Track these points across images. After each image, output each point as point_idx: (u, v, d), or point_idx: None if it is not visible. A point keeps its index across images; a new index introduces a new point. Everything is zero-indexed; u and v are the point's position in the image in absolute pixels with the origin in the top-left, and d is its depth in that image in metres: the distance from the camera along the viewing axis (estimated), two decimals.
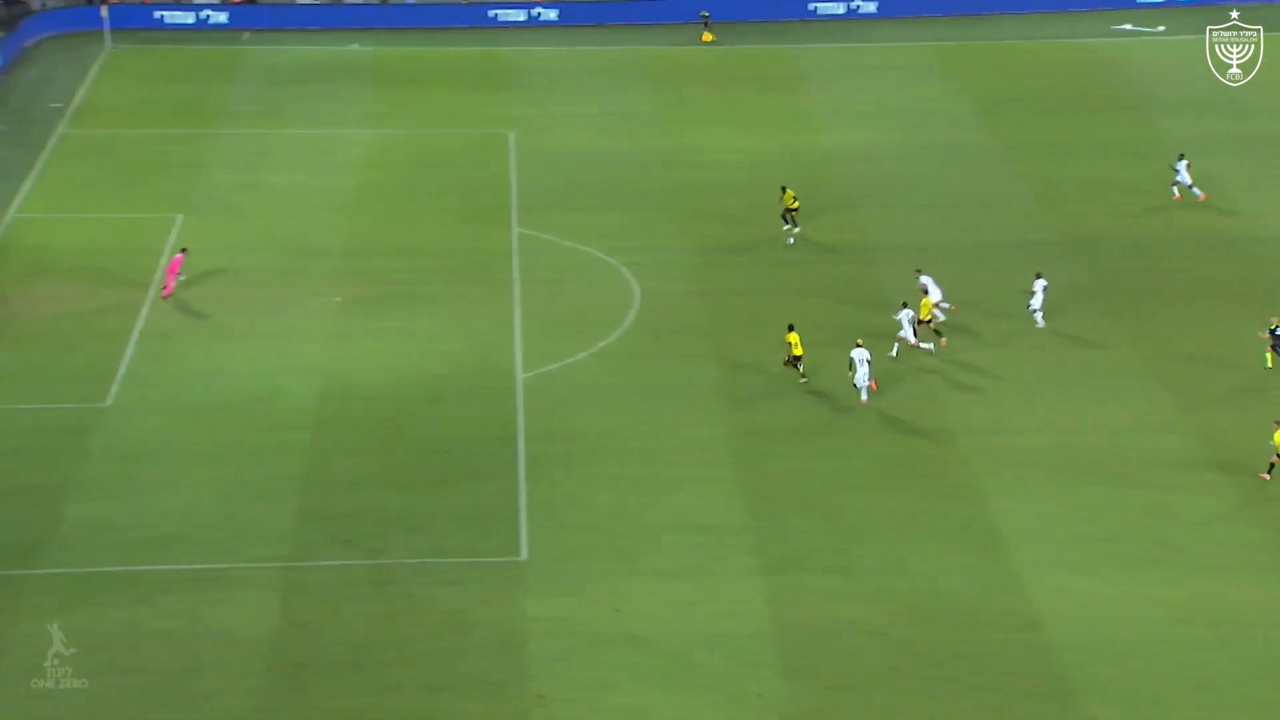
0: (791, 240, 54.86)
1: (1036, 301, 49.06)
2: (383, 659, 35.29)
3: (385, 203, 59.19)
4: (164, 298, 50.89)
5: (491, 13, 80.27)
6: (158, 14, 78.81)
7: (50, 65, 73.67)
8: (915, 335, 47.58)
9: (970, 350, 48.39)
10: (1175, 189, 57.08)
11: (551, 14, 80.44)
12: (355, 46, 77.12)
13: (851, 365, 45.00)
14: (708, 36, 77.57)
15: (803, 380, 46.01)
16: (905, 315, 47.53)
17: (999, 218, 57.82)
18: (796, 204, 55.32)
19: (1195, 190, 56.75)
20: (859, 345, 45.36)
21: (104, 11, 75.84)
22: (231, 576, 37.75)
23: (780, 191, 55.79)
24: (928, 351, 47.58)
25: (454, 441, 43.55)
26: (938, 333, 48.27)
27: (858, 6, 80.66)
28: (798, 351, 46.07)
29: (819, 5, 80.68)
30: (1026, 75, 72.54)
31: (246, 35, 78.02)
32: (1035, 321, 49.02)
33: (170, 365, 47.16)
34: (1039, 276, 49.69)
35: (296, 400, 45.31)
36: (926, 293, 48.74)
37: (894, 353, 47.30)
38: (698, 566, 38.59)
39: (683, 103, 69.71)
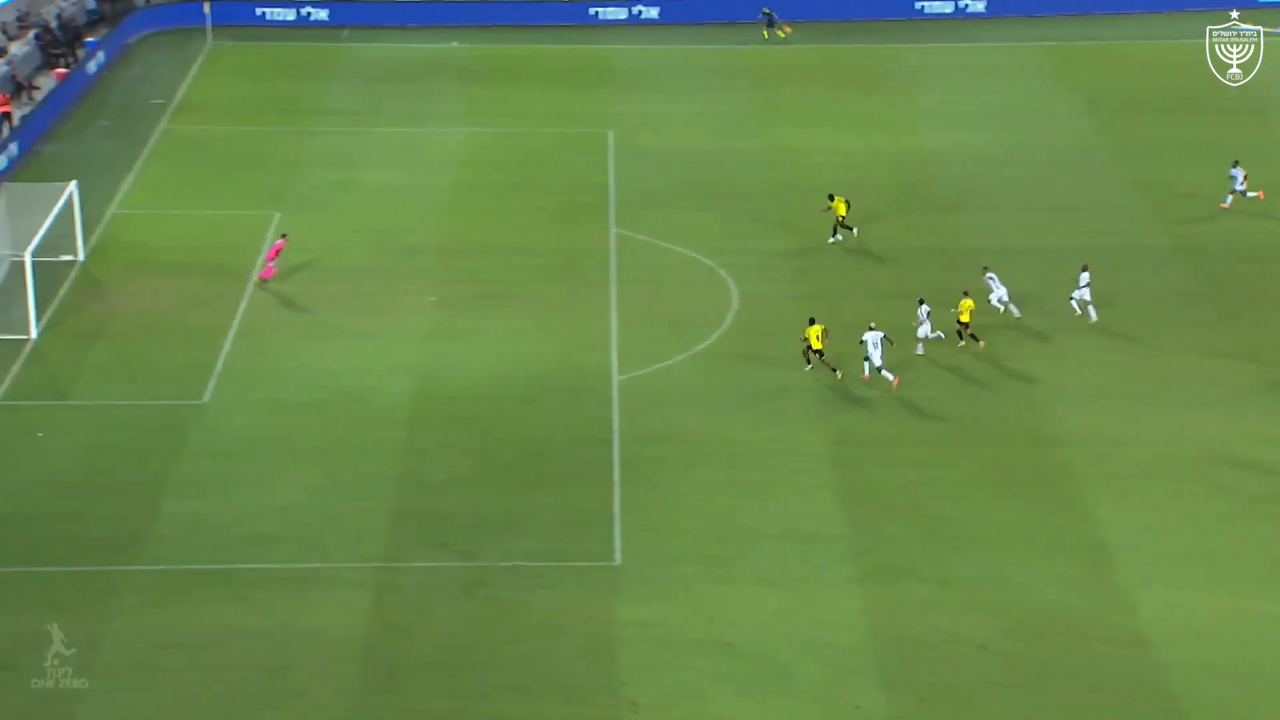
0: (834, 239, 54.23)
1: (1083, 293, 48.80)
2: (474, 662, 35.44)
3: (481, 201, 59.52)
4: (262, 279, 51.38)
5: (592, 10, 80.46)
6: (259, 10, 79.77)
7: (152, 62, 74.85)
8: (928, 332, 47.54)
9: (1074, 357, 47.80)
10: (1231, 197, 56.19)
11: (653, 11, 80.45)
12: (454, 44, 77.64)
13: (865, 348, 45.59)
14: (786, 29, 77.19)
15: (809, 370, 46.19)
16: (923, 310, 47.50)
17: (1107, 222, 57.09)
18: (846, 212, 54.30)
19: (1248, 194, 55.89)
20: (872, 329, 45.64)
21: (206, 8, 76.90)
22: (324, 576, 38.09)
23: (828, 201, 54.76)
24: (918, 351, 47.39)
25: (548, 443, 43.68)
26: (974, 337, 47.65)
27: (966, 5, 79.87)
28: (817, 346, 46.16)
29: (925, 4, 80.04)
30: (1139, 76, 71.63)
31: (346, 32, 78.80)
32: (1077, 312, 48.95)
33: (266, 362, 47.71)
34: (1085, 269, 49.46)
35: (391, 399, 45.66)
36: (991, 292, 48.82)
37: (930, 338, 47.57)
38: (793, 574, 38.41)
39: (783, 102, 69.49)
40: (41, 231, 50.29)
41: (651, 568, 38.54)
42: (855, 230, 54.79)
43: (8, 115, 65.46)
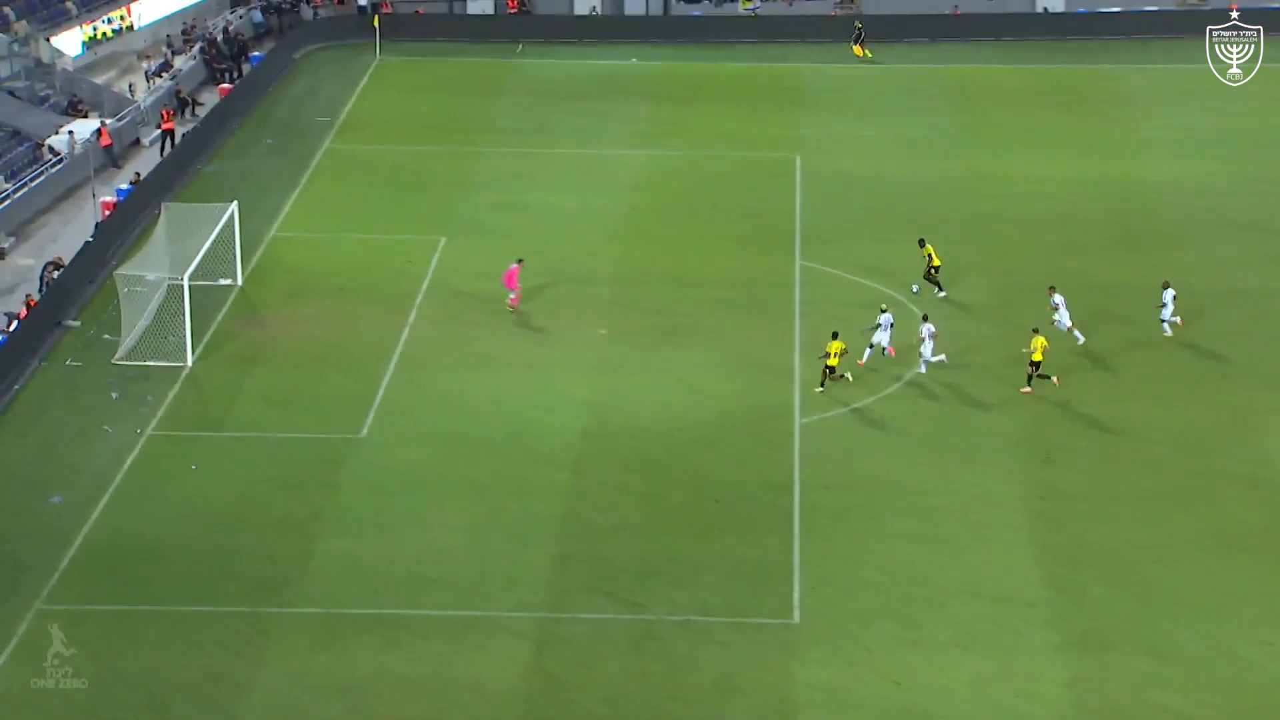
0: (916, 289, 53.13)
1: (1166, 313, 49.43)
2: None
3: (658, 228, 59.64)
4: (513, 308, 52.19)
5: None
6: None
7: (318, 77, 76.49)
8: (931, 355, 48.15)
9: None
10: None
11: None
12: (632, 61, 78.12)
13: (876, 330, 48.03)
14: (859, 50, 76.56)
15: (820, 385, 47.39)
16: (925, 329, 48.14)
17: None
18: (938, 262, 52.98)
19: None
20: (884, 310, 48.08)
21: (375, 22, 78.40)
22: (484, 623, 38.19)
23: (919, 246, 53.67)
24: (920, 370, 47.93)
25: (724, 488, 43.43)
26: (1044, 376, 46.92)
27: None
28: (832, 361, 46.53)
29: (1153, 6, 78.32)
30: None
31: (520, 48, 79.72)
32: (1168, 333, 49.56)
33: (427, 395, 48.19)
34: (1167, 286, 49.74)
35: (557, 436, 45.80)
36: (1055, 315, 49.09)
37: (932, 360, 48.10)
38: (990, 639, 37.61)
39: (987, 126, 68.70)
40: (200, 254, 51.49)
41: (833, 627, 38.03)
42: (942, 292, 53.29)
43: (170, 132, 67.36)
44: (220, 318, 52.88)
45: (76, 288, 54.08)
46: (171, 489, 43.53)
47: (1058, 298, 50.26)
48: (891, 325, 48.69)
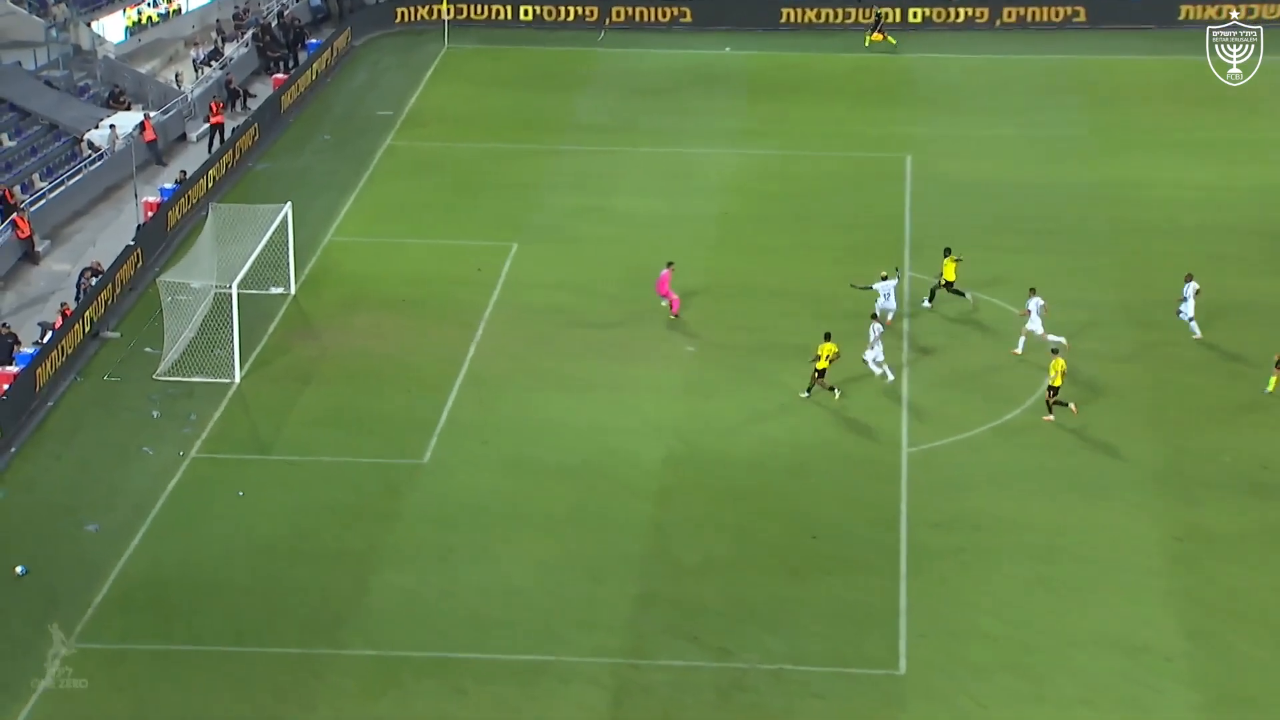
0: (928, 303, 53.90)
1: (1188, 309, 50.48)
2: None
3: (753, 235, 59.88)
4: (675, 316, 52.83)
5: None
6: (500, 8, 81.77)
7: (380, 67, 77.34)
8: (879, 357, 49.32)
9: None
10: None
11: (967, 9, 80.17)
12: (726, 50, 78.44)
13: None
14: (877, 36, 76.52)
15: (807, 389, 48.41)
16: (874, 329, 49.26)
17: None
18: (953, 278, 53.24)
19: None
20: (884, 278, 51.61)
21: (445, 5, 79.16)
22: (557, 669, 38.50)
23: (943, 255, 53.85)
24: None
25: (822, 524, 43.57)
26: (1062, 402, 47.14)
27: None
28: (821, 365, 47.32)
29: None
30: None
31: (602, 35, 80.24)
32: (1192, 332, 50.56)
33: (496, 417, 48.64)
34: (1189, 279, 50.47)
35: (638, 465, 46.11)
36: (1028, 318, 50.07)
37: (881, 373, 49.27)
38: (1121, 696, 37.52)
39: (1126, 125, 68.46)
40: (250, 260, 52.24)
41: (943, 679, 38.06)
42: (970, 297, 53.80)
43: (219, 127, 68.33)
44: (271, 330, 53.61)
45: (115, 296, 54.98)
46: (216, 517, 44.17)
47: (1035, 301, 50.57)
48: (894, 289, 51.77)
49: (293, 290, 55.92)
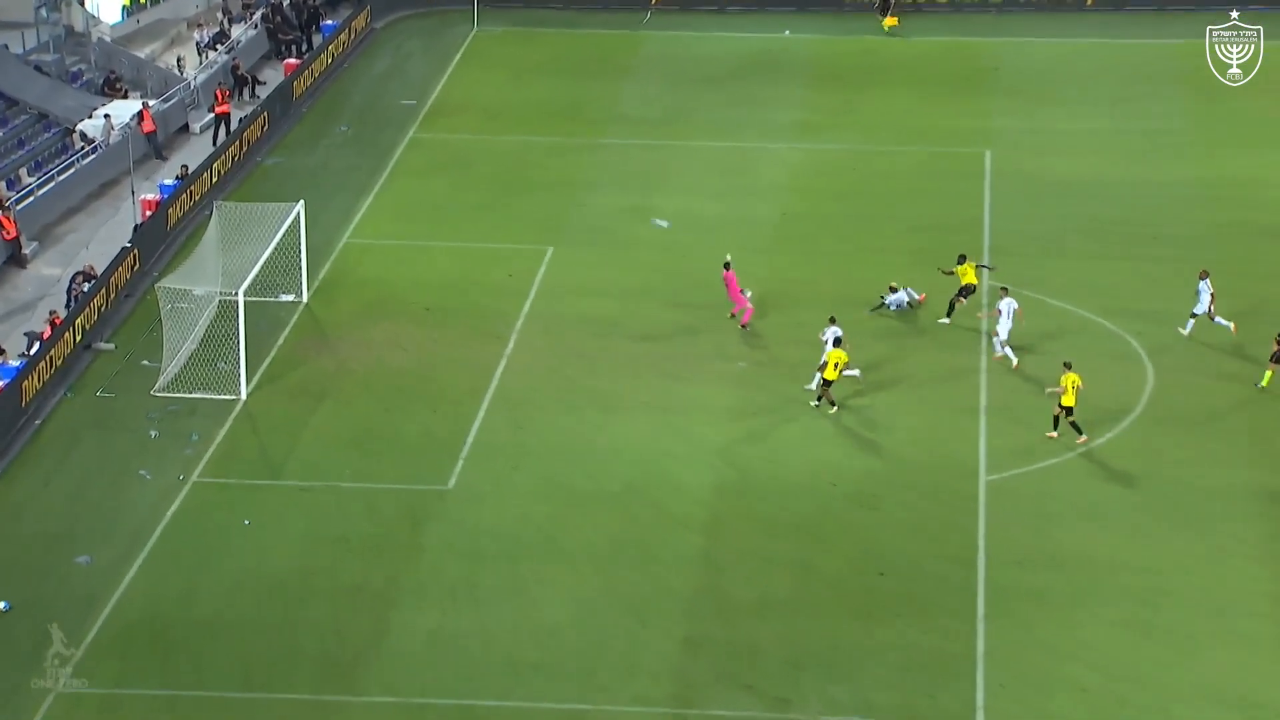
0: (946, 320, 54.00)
1: (1201, 306, 51.57)
2: None
3: (815, 239, 59.88)
4: (744, 328, 53.24)
5: None
6: None
7: (403, 52, 77.63)
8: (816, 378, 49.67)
9: None
10: None
11: None
12: (785, 33, 78.48)
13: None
14: (892, 20, 76.63)
15: (816, 403, 48.96)
16: (829, 333, 49.91)
17: None
18: (974, 280, 53.52)
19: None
20: (893, 289, 53.71)
21: None
22: (596, 719, 38.54)
23: (958, 263, 53.96)
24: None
25: (891, 560, 43.50)
26: (1077, 427, 47.19)
27: None
28: (830, 374, 47.82)
29: None
30: None
31: (647, 16, 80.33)
32: (1229, 328, 51.59)
33: (529, 440, 48.71)
34: (1204, 276, 51.82)
35: (688, 492, 46.12)
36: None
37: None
38: None
39: (1233, 118, 68.16)
40: (258, 264, 52.44)
41: None
42: (945, 319, 54.09)
43: (225, 117, 68.68)
44: (281, 341, 53.83)
45: (110, 303, 55.26)
46: (221, 548, 44.32)
47: (1008, 303, 51.29)
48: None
49: (305, 298, 56.14)
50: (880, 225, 60.75)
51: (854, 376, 49.82)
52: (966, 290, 53.74)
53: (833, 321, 50.62)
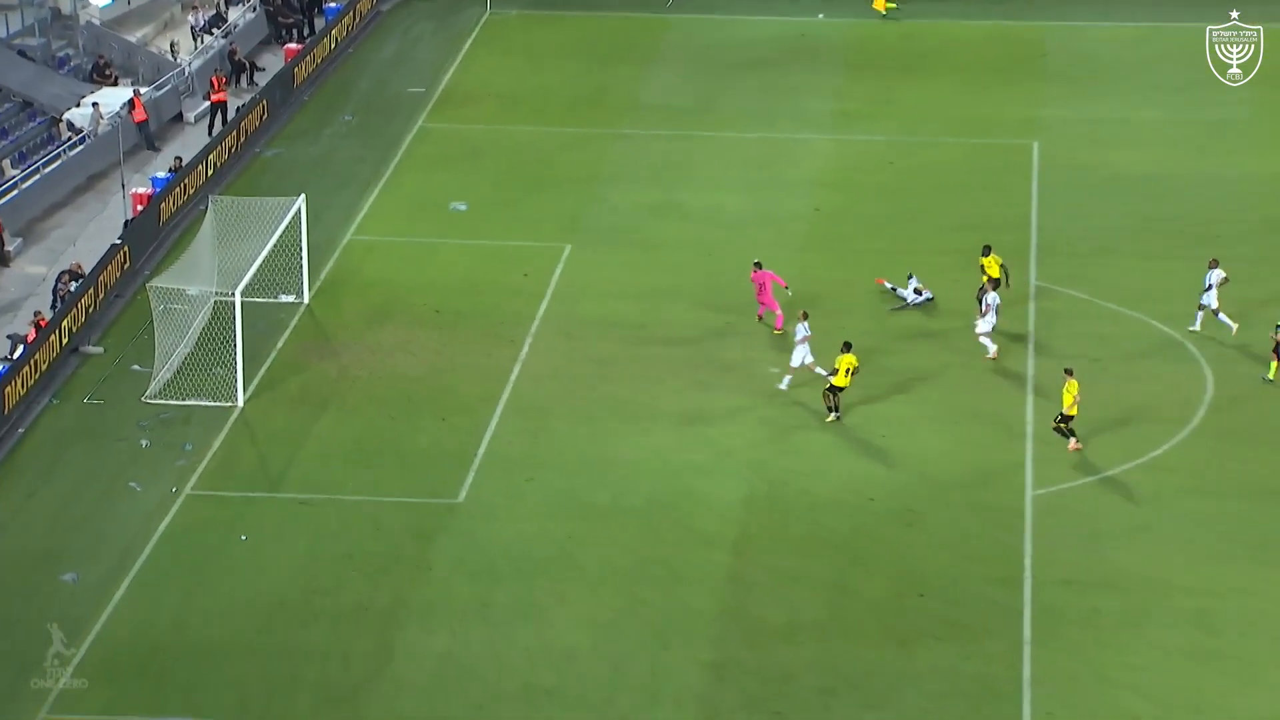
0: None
1: (1209, 298, 52.51)
2: None
3: (850, 237, 59.97)
4: (779, 331, 53.47)
5: None
6: None
7: (411, 36, 77.80)
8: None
9: None
10: None
11: None
12: (820, 17, 78.52)
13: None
14: (882, 3, 76.78)
15: (833, 417, 49.25)
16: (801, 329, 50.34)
17: None
18: (996, 274, 53.69)
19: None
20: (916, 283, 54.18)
21: None
22: None
23: (983, 254, 54.22)
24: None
25: (931, 580, 43.53)
26: (1070, 432, 47.39)
27: None
28: (840, 381, 48.18)
29: None
30: None
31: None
32: (1232, 329, 52.23)
33: (545, 451, 48.83)
34: (1214, 265, 52.54)
35: (715, 508, 46.19)
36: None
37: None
38: None
39: None
40: (256, 262, 52.62)
41: None
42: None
43: (222, 105, 68.90)
44: (280, 345, 54.01)
45: (99, 304, 55.47)
46: (216, 566, 44.41)
47: (991, 297, 52.06)
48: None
49: (306, 298, 56.33)
50: (919, 223, 60.80)
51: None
52: (990, 284, 53.75)
53: (804, 317, 50.75)
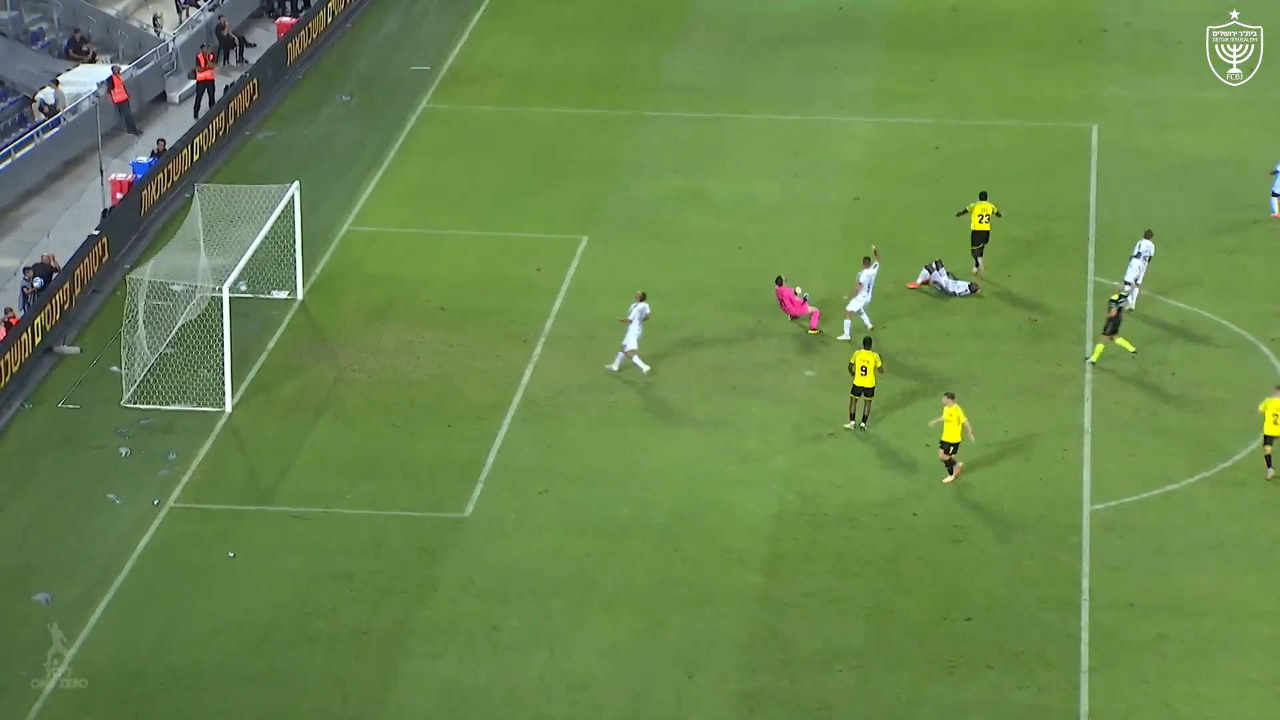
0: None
1: (1132, 272, 54.25)
2: None
3: (891, 229, 59.93)
4: (814, 331, 53.77)
5: None
6: None
7: (415, 10, 77.89)
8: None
9: None
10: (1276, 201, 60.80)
11: None
12: None
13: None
14: None
15: (851, 424, 49.34)
16: (637, 311, 51.28)
17: None
18: (986, 225, 55.43)
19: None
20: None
21: None
22: None
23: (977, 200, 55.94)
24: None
25: (981, 604, 43.53)
26: (951, 463, 47.47)
27: None
28: (866, 382, 48.93)
29: None
30: None
31: None
32: (1128, 301, 53.68)
33: (560, 461, 48.87)
34: (1147, 235, 54.69)
35: (744, 523, 46.22)
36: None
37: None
38: None
39: None
40: (246, 255, 52.70)
41: None
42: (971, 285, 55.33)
43: (209, 84, 68.98)
44: (272, 345, 54.12)
45: (75, 300, 55.56)
46: (201, 587, 44.46)
47: (866, 274, 53.55)
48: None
49: (300, 295, 56.43)
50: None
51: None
52: (977, 240, 55.64)
53: (642, 298, 51.22)
